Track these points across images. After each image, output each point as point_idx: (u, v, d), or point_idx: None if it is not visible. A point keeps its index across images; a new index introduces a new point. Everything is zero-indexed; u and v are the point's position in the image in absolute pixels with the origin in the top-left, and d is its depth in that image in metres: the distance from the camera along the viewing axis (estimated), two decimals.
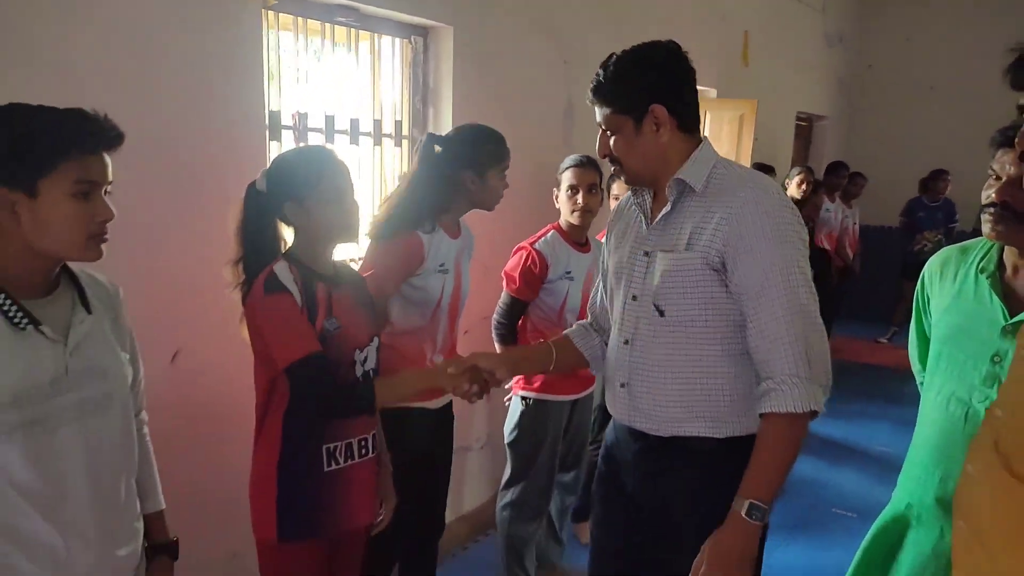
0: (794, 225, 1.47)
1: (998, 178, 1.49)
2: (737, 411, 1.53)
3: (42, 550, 1.24)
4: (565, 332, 1.90)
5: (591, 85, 1.57)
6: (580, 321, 1.92)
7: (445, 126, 2.90)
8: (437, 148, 2.16)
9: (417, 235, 2.11)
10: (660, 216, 1.56)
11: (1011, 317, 1.46)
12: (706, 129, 5.11)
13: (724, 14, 5.16)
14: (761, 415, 1.46)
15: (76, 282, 1.34)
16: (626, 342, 1.61)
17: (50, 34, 1.75)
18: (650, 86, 1.51)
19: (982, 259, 1.58)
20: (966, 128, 5.97)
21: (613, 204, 2.60)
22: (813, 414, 1.44)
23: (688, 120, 1.55)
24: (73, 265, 1.35)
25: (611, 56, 1.55)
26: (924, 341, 1.76)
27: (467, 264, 2.32)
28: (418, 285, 2.14)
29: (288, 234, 1.81)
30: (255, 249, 1.76)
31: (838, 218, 6.08)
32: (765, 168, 4.96)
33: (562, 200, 2.65)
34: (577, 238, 2.67)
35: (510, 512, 2.70)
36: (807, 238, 1.52)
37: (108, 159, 1.25)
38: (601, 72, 1.55)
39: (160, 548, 1.51)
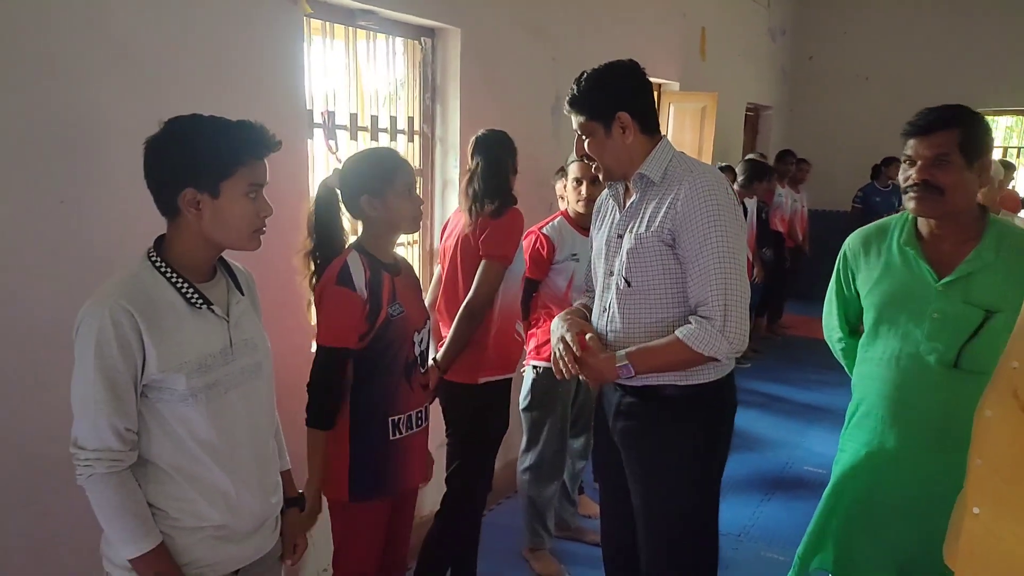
0: (727, 205, 1.74)
1: (912, 163, 1.77)
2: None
3: (218, 495, 1.44)
4: (581, 302, 2.13)
5: (567, 97, 1.85)
6: (580, 301, 2.17)
7: (453, 121, 3.10)
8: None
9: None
10: (628, 204, 1.86)
11: (939, 279, 1.75)
12: (670, 120, 5.42)
13: (684, 11, 5.46)
14: (676, 332, 1.74)
15: (228, 268, 1.54)
16: (604, 310, 1.91)
17: (136, 39, 1.89)
18: (616, 97, 1.80)
19: (900, 235, 1.85)
20: (898, 115, 6.38)
21: (572, 185, 2.84)
22: (712, 358, 1.72)
23: (648, 123, 1.84)
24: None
25: (582, 73, 1.83)
26: (843, 306, 2.04)
27: None
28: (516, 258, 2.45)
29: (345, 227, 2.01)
30: (325, 241, 1.97)
31: (788, 203, 6.48)
32: (726, 168, 5.32)
33: (568, 190, 2.88)
34: (582, 224, 2.90)
35: (530, 475, 2.93)
36: (741, 215, 1.80)
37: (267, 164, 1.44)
38: (575, 87, 1.83)
39: (291, 501, 1.71)
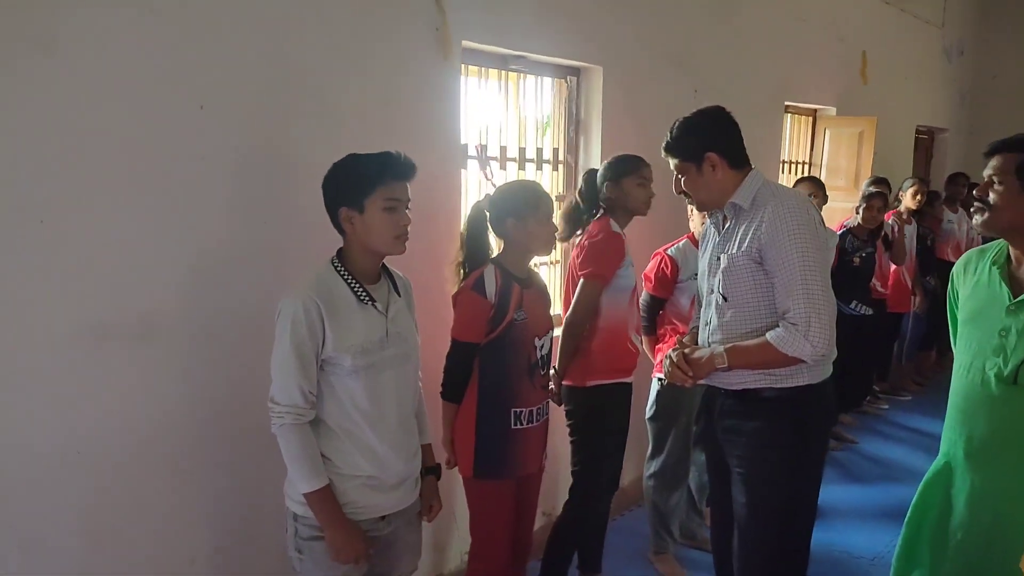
0: (807, 223, 1.94)
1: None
2: (791, 368, 1.98)
3: (371, 453, 1.83)
4: (692, 325, 2.38)
5: (663, 143, 2.12)
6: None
7: (594, 153, 3.38)
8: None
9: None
10: (724, 229, 2.10)
11: (1015, 298, 1.80)
12: (825, 146, 5.38)
13: (843, 36, 5.43)
14: (767, 334, 1.95)
15: (390, 274, 1.94)
16: (706, 323, 2.15)
17: (325, 85, 2.33)
18: (704, 140, 2.05)
19: (995, 255, 1.92)
20: None
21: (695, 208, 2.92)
22: (798, 359, 1.92)
23: (736, 159, 2.07)
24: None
25: (675, 121, 2.10)
26: (956, 325, 2.07)
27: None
28: (621, 274, 2.69)
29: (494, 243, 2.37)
30: (473, 254, 2.34)
31: (962, 229, 6.13)
32: (879, 180, 5.16)
33: (693, 213, 3.07)
34: None
35: (654, 481, 3.12)
36: (822, 233, 2.02)
37: (408, 185, 1.82)
38: (669, 133, 2.10)
39: (429, 469, 2.09)
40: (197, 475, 2.13)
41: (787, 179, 5.32)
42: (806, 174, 5.34)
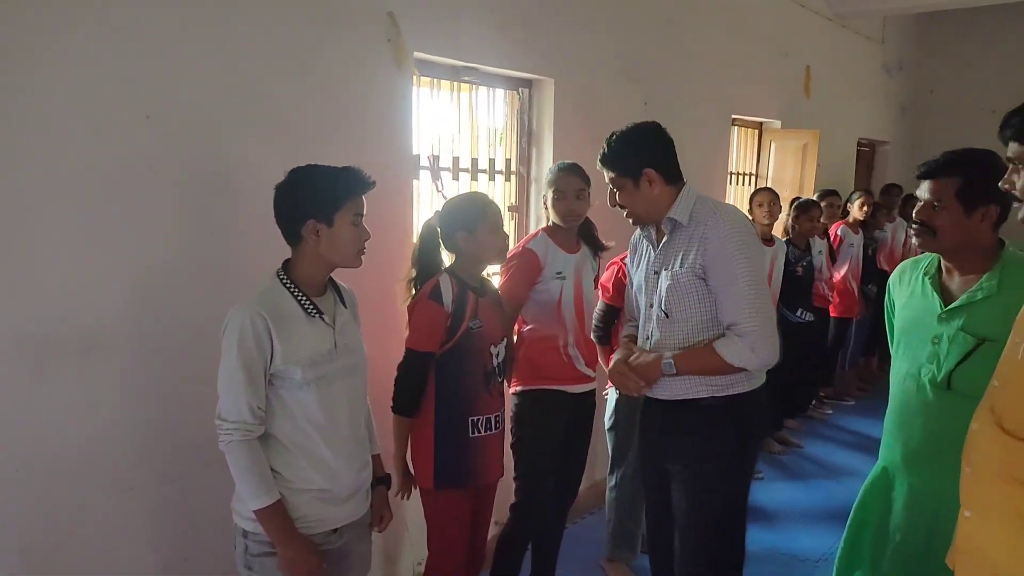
0: (752, 239, 2.02)
1: (919, 202, 1.92)
2: (731, 377, 2.04)
3: (323, 466, 1.82)
4: (625, 333, 2.38)
5: (599, 155, 2.12)
6: (630, 323, 2.39)
7: (546, 163, 3.42)
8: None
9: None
10: (661, 245, 2.12)
11: (946, 307, 1.88)
12: (771, 158, 5.53)
13: (787, 51, 5.58)
14: (713, 344, 2.00)
15: (335, 286, 1.93)
16: (647, 337, 2.17)
17: (273, 98, 2.32)
18: (642, 155, 2.07)
19: (927, 266, 2.00)
20: None
21: None
22: (741, 368, 1.98)
23: (672, 175, 2.10)
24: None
25: (612, 135, 2.11)
26: (893, 333, 2.15)
27: (589, 273, 2.81)
28: (541, 289, 2.67)
29: (445, 258, 2.39)
30: (425, 271, 2.35)
31: (898, 238, 6.34)
32: (829, 193, 5.34)
33: None
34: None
35: (616, 493, 3.15)
36: (760, 246, 2.11)
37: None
38: (605, 147, 2.11)
39: (380, 480, 2.08)
40: (143, 492, 2.09)
41: (735, 190, 5.45)
42: (754, 185, 5.50)
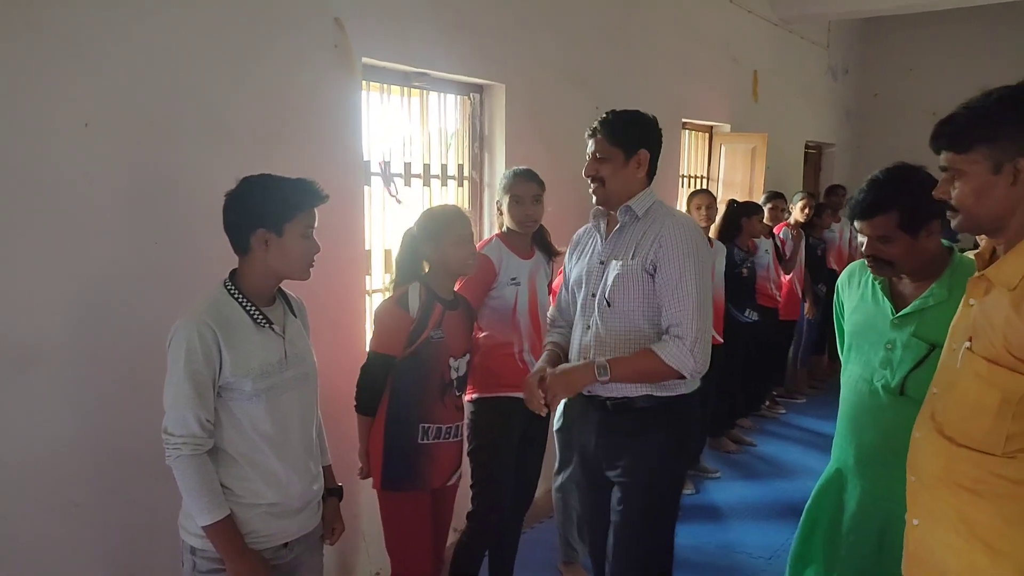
0: (702, 245, 2.06)
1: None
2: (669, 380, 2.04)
3: (273, 479, 1.79)
4: (549, 339, 2.35)
5: (600, 119, 2.13)
6: (551, 329, 2.39)
7: (499, 168, 3.42)
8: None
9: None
10: (613, 232, 2.15)
11: (897, 313, 1.90)
12: (721, 161, 5.62)
13: (735, 56, 5.68)
14: (651, 347, 2.00)
15: (284, 295, 1.90)
16: (587, 328, 2.15)
17: (220, 104, 2.28)
18: (645, 137, 2.12)
19: None
20: None
21: None
22: (678, 374, 1.98)
23: (652, 170, 2.15)
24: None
25: (613, 110, 2.13)
26: (841, 334, 2.19)
27: (543, 279, 2.82)
28: (495, 295, 2.68)
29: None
30: (401, 274, 2.37)
31: (844, 237, 6.49)
32: (775, 195, 5.44)
33: None
34: None
35: (562, 494, 3.16)
36: (710, 254, 2.13)
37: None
38: (610, 114, 2.13)
39: (331, 491, 2.06)
40: (87, 507, 2.04)
41: (686, 192, 5.52)
42: (699, 184, 5.59)
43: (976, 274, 1.49)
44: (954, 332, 1.54)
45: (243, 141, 2.34)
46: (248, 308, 1.77)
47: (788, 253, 5.45)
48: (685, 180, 5.49)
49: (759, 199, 5.26)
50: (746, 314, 4.68)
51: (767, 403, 5.74)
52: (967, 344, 1.44)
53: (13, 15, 1.81)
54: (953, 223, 1.52)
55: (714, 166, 5.68)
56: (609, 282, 2.09)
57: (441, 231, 2.32)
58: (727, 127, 5.67)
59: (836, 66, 7.79)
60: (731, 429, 5.02)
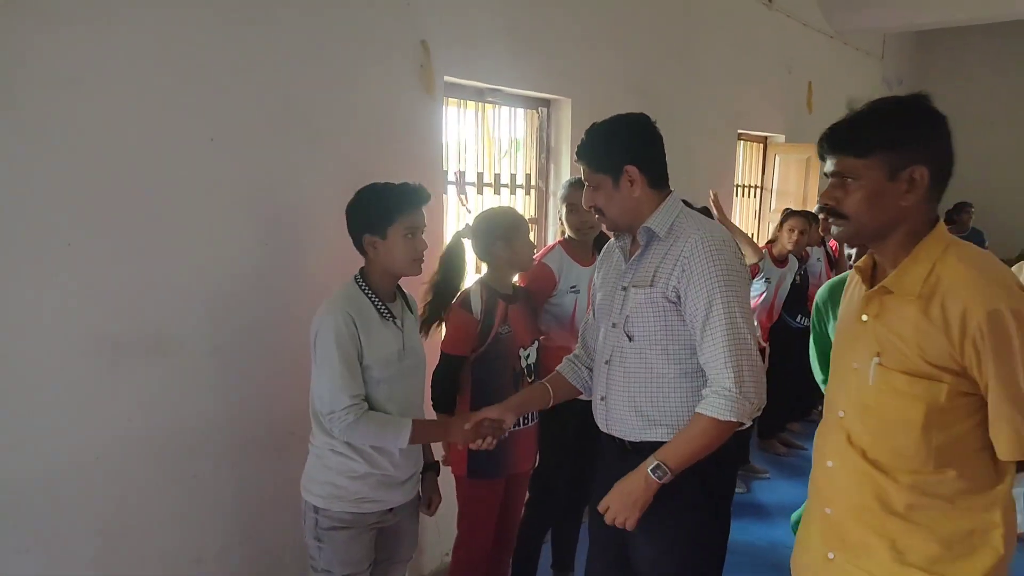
0: (734, 263, 1.72)
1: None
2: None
3: (389, 454, 2.03)
4: (557, 369, 2.19)
5: (576, 148, 1.86)
6: (568, 356, 2.20)
7: (564, 178, 3.62)
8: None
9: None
10: (634, 257, 1.86)
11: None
12: (775, 171, 5.74)
13: (790, 67, 5.80)
14: (696, 411, 1.72)
15: (403, 293, 2.14)
16: (606, 362, 1.90)
17: (324, 122, 2.53)
18: (624, 149, 1.80)
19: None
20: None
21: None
22: (739, 424, 1.69)
23: (657, 178, 1.83)
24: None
25: (592, 124, 1.85)
26: (820, 348, 2.23)
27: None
28: (555, 303, 2.84)
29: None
30: (448, 277, 2.49)
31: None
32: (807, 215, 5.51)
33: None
34: None
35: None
36: (746, 271, 1.81)
37: (424, 211, 2.03)
38: (584, 138, 1.84)
39: (429, 466, 2.30)
40: (207, 479, 2.30)
41: (741, 201, 5.66)
42: (759, 197, 5.70)
43: (866, 291, 1.45)
44: (849, 351, 1.48)
45: (342, 153, 2.58)
46: (375, 302, 2.00)
47: (840, 260, 5.54)
48: (739, 189, 5.62)
49: (813, 208, 5.36)
50: (798, 320, 4.80)
51: (818, 407, 5.81)
52: (877, 360, 1.39)
53: (147, 47, 2.07)
54: (834, 231, 1.45)
55: (768, 176, 5.80)
56: (629, 313, 1.82)
57: (512, 230, 2.48)
58: (781, 137, 5.78)
59: (891, 77, 7.82)
60: (781, 432, 5.13)
